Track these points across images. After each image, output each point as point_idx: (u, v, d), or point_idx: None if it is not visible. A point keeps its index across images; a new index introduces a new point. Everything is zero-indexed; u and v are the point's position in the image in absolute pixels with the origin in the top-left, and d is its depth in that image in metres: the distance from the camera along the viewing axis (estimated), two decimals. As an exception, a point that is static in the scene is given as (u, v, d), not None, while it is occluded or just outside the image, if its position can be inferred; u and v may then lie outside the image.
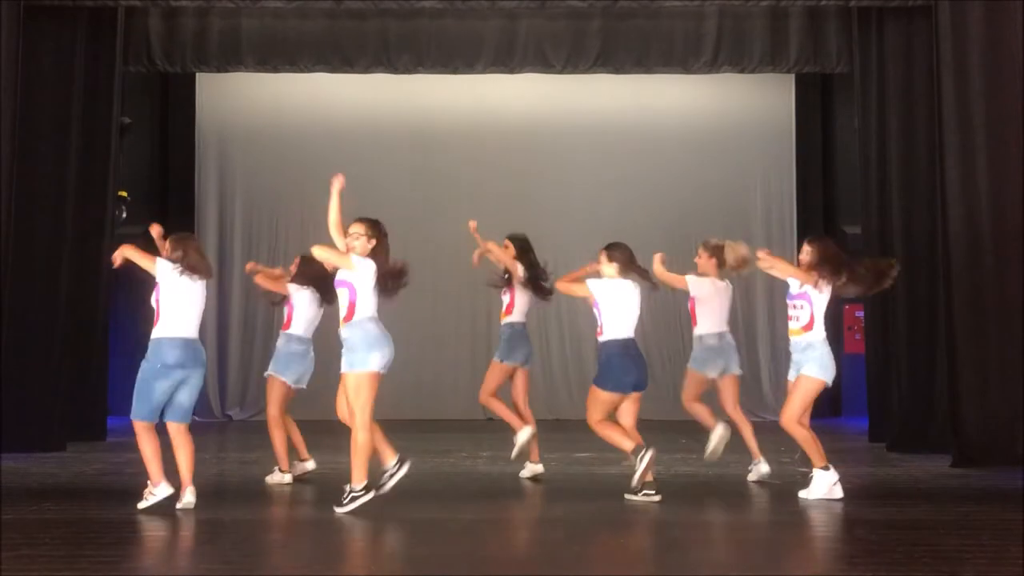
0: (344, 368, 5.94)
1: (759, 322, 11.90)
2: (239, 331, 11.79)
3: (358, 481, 5.89)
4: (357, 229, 6.10)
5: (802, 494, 6.32)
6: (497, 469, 7.48)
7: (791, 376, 6.45)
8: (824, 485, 6.29)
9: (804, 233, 11.64)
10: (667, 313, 11.14)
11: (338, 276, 6.03)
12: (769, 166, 12.01)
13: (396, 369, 6.21)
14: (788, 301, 6.46)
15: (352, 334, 5.94)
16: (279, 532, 5.89)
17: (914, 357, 9.03)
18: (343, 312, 5.97)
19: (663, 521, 6.01)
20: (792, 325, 6.43)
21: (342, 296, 5.98)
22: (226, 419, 11.68)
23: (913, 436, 8.83)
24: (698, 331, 7.29)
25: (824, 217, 11.65)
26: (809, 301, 6.33)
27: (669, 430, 7.60)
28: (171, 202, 11.95)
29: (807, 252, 6.44)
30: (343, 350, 5.95)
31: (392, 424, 6.36)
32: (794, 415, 6.32)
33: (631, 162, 11.91)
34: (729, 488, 7.07)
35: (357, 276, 5.97)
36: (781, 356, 11.83)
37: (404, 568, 5.10)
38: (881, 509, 6.17)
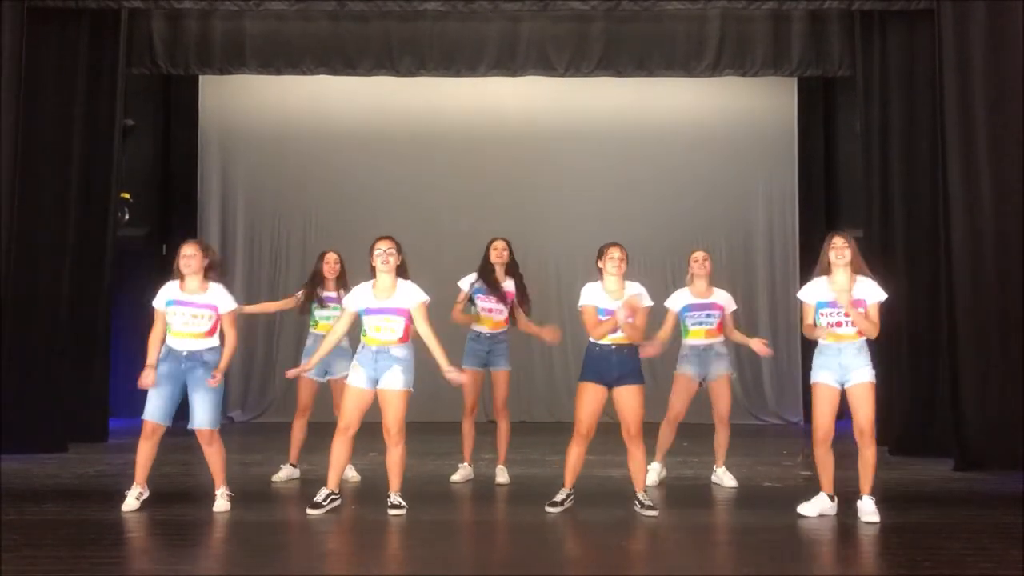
0: (401, 386, 6.09)
1: (761, 325, 11.88)
2: (241, 334, 11.74)
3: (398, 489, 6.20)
4: (391, 247, 6.21)
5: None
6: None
7: (826, 379, 6.02)
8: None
9: (806, 237, 11.65)
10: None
11: (391, 303, 6.13)
12: (771, 169, 12.00)
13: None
14: (836, 307, 6.03)
15: (408, 354, 6.15)
16: (282, 533, 5.89)
17: (916, 360, 9.02)
18: (399, 333, 6.10)
19: (665, 524, 6.01)
20: (846, 331, 6.01)
21: (395, 321, 6.10)
22: (228, 421, 11.68)
23: (915, 440, 8.83)
24: (723, 335, 7.29)
25: (826, 220, 11.62)
26: (865, 306, 6.06)
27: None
28: (173, 204, 11.96)
29: (847, 245, 6.06)
30: (400, 369, 6.09)
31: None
32: (873, 426, 6.02)
33: (632, 165, 11.91)
34: (731, 491, 7.06)
35: (409, 300, 6.18)
36: (782, 359, 11.83)
37: (406, 569, 5.10)
38: (883, 513, 6.14)
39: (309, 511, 6.08)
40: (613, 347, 6.14)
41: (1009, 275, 8.23)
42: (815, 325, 6.12)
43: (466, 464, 7.43)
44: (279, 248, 11.86)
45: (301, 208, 11.89)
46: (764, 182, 12.02)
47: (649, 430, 7.48)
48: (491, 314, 7.30)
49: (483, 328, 7.32)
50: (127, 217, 10.64)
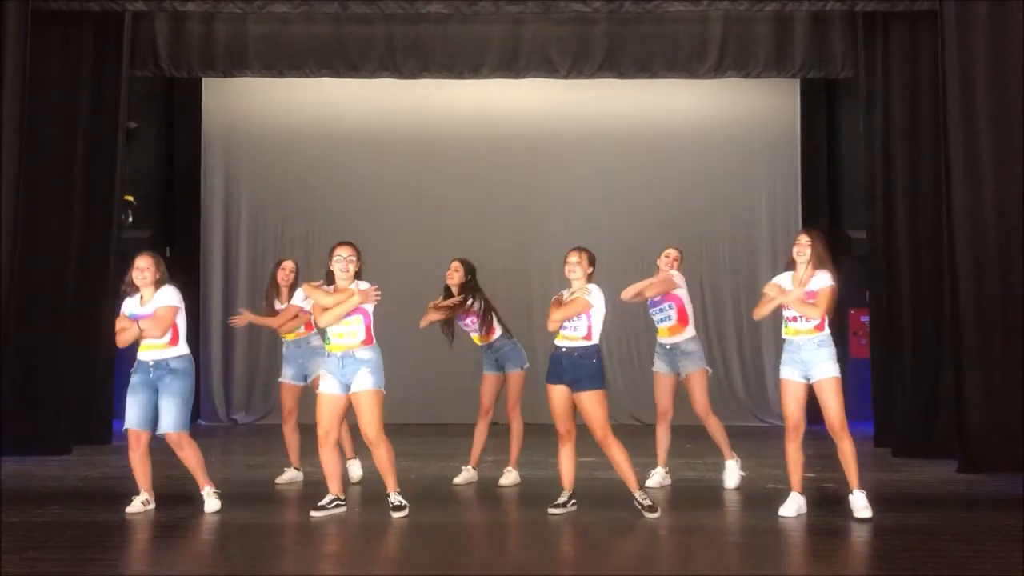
0: (371, 386, 6.07)
1: (763, 325, 11.87)
2: (245, 336, 11.81)
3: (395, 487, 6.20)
4: (351, 254, 6.18)
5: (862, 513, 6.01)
6: (500, 473, 7.48)
7: (791, 375, 6.09)
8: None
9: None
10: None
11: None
12: (774, 171, 12.00)
13: (401, 374, 6.29)
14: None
15: (374, 355, 6.12)
16: (284, 535, 5.90)
17: (919, 362, 9.01)
18: (360, 336, 6.09)
19: (666, 526, 6.01)
20: (801, 325, 6.08)
21: (356, 322, 6.09)
22: (232, 423, 11.70)
23: (918, 441, 8.82)
24: (691, 331, 7.23)
25: (829, 221, 11.63)
26: (815, 295, 6.08)
27: (673, 435, 7.61)
28: (177, 206, 11.99)
29: (808, 243, 6.16)
30: (368, 371, 6.07)
31: (396, 428, 6.40)
32: (844, 420, 6.04)
33: (635, 167, 11.91)
34: (733, 493, 7.06)
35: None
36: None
37: (408, 571, 5.10)
38: (886, 515, 6.15)
39: (313, 513, 6.10)
40: (564, 349, 6.20)
41: (1012, 277, 8.22)
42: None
43: (470, 468, 7.44)
44: (282, 250, 11.83)
45: (304, 210, 11.90)
46: (767, 183, 12.02)
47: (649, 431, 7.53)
48: (469, 333, 7.41)
49: (478, 343, 7.45)
50: (130, 219, 10.65)
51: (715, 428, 7.22)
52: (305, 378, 7.41)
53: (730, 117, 11.88)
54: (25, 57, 8.59)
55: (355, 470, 7.42)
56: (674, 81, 10.73)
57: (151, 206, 11.59)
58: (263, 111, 11.96)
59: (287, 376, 7.46)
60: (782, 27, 9.66)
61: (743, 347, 11.92)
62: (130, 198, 10.52)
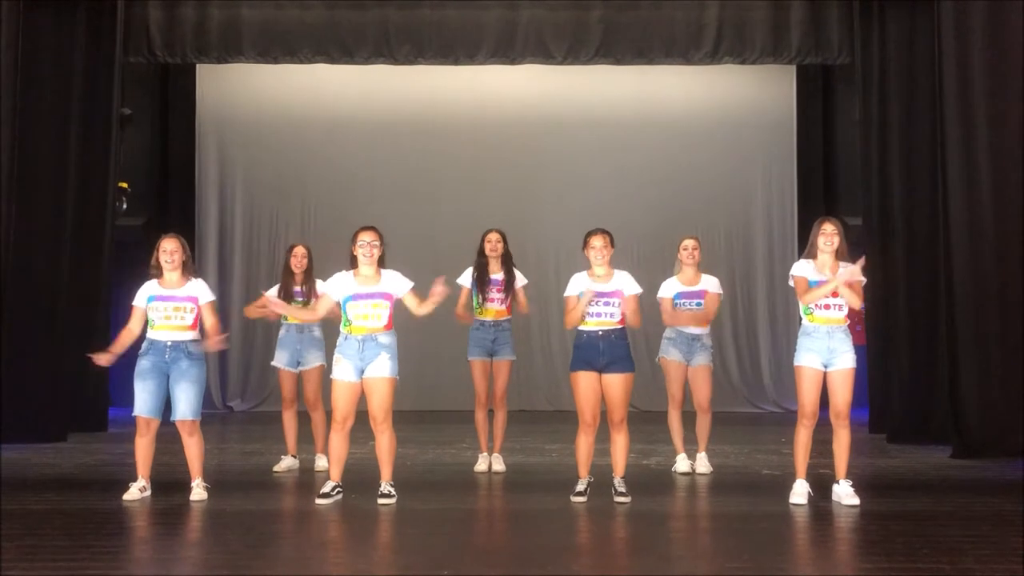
0: (388, 373, 6.07)
1: (759, 313, 11.90)
2: (240, 323, 11.79)
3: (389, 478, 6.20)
4: (375, 239, 6.15)
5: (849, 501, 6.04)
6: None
7: (812, 362, 6.06)
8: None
9: (805, 224, 11.65)
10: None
11: (378, 288, 6.10)
12: (770, 157, 12.00)
13: (399, 359, 6.25)
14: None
15: (393, 341, 6.13)
16: (281, 522, 5.90)
17: (914, 348, 9.04)
18: (384, 320, 6.09)
19: (663, 513, 6.03)
20: (833, 314, 6.05)
21: (383, 306, 6.08)
22: (227, 411, 11.69)
23: (913, 427, 8.85)
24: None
25: (825, 208, 11.62)
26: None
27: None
28: (171, 193, 11.96)
29: (836, 232, 6.16)
30: (387, 356, 6.06)
31: (394, 415, 6.35)
32: (850, 410, 6.08)
33: (631, 154, 11.90)
34: (729, 480, 7.07)
35: (395, 286, 6.14)
36: (780, 346, 11.84)
37: (406, 558, 5.10)
38: (881, 500, 6.17)
39: (318, 501, 6.10)
40: (599, 332, 6.15)
41: (1008, 263, 8.23)
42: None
43: (485, 454, 7.42)
44: (277, 236, 11.86)
45: (299, 196, 11.89)
46: (763, 170, 12.02)
47: (655, 418, 7.53)
48: (493, 303, 7.30)
49: (486, 317, 7.30)
50: (125, 207, 10.63)
51: (706, 424, 7.23)
52: (298, 364, 7.37)
53: (726, 103, 11.87)
54: (17, 43, 8.54)
55: (321, 463, 7.39)
56: (670, 67, 10.71)
57: (145, 193, 11.57)
58: (257, 97, 11.93)
59: (281, 361, 7.41)
60: (779, 13, 9.63)
61: (738, 334, 11.94)
62: (124, 185, 10.48)
